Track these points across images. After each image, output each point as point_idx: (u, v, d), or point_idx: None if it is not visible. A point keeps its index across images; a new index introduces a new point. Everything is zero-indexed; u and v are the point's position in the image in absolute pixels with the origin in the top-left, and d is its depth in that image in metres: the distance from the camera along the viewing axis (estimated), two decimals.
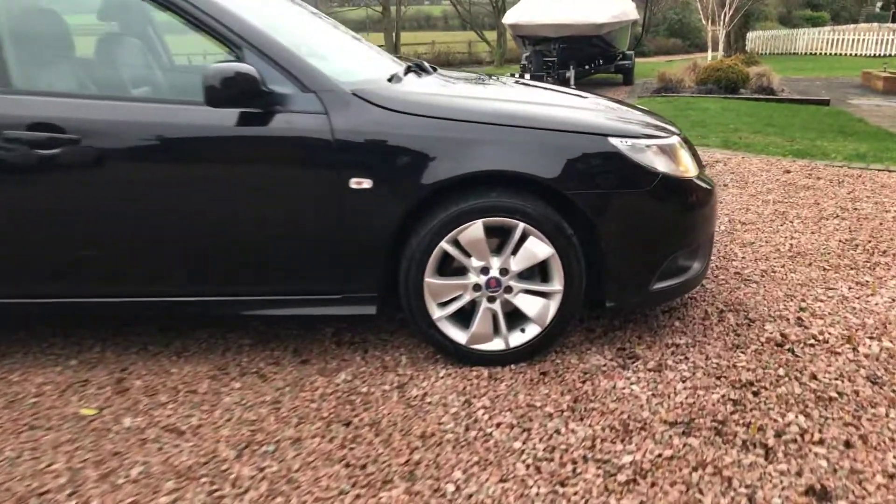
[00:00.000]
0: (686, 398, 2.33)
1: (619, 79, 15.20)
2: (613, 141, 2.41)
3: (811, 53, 23.64)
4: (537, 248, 2.41)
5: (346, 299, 2.49)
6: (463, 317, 2.53)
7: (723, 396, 2.33)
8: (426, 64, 3.24)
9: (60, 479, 1.99)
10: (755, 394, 2.34)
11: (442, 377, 2.49)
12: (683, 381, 2.43)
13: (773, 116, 8.96)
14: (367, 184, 2.33)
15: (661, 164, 2.46)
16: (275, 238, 2.40)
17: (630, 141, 2.44)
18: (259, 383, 2.48)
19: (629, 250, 2.47)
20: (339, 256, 2.42)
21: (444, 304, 2.50)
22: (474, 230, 2.38)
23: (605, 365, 2.55)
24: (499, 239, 2.45)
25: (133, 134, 2.30)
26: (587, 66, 14.02)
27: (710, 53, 16.45)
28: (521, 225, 2.39)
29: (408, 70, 2.94)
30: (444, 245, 2.39)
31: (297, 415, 2.29)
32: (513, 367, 2.55)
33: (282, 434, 2.18)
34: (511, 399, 2.35)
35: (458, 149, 2.34)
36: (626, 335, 2.78)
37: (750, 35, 23.23)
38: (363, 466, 2.03)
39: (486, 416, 2.26)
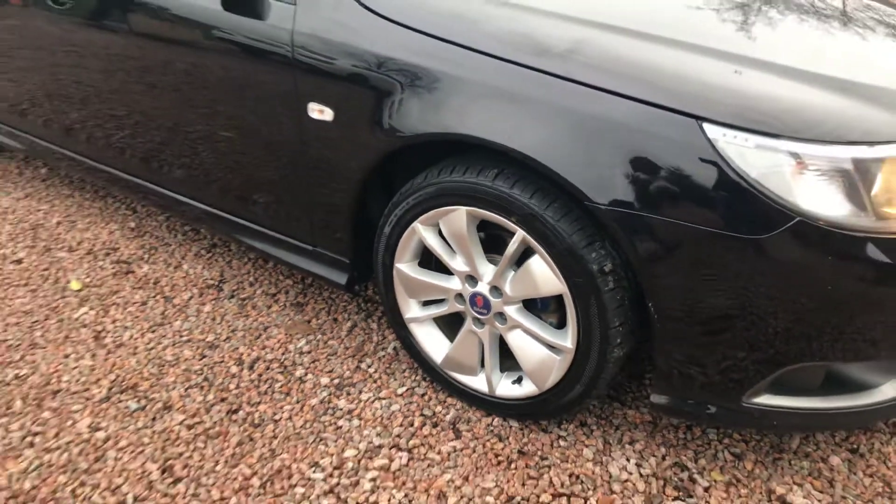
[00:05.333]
0: None
1: None
2: (712, 133, 1.27)
3: None
4: (542, 276, 1.49)
5: (317, 255, 1.93)
6: (455, 328, 1.79)
7: None
8: None
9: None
10: None
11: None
12: None
13: None
14: (328, 114, 1.65)
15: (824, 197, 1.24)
16: (240, 156, 1.92)
17: (758, 141, 1.26)
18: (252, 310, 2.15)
19: (714, 331, 1.37)
20: (304, 194, 1.84)
21: (426, 305, 1.79)
22: (457, 219, 1.56)
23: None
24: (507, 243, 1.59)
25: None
26: None
27: None
28: (521, 233, 1.48)
29: None
30: (419, 227, 1.63)
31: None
32: (494, 422, 1.75)
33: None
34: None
35: (440, 92, 1.48)
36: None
37: None
38: None
39: None
